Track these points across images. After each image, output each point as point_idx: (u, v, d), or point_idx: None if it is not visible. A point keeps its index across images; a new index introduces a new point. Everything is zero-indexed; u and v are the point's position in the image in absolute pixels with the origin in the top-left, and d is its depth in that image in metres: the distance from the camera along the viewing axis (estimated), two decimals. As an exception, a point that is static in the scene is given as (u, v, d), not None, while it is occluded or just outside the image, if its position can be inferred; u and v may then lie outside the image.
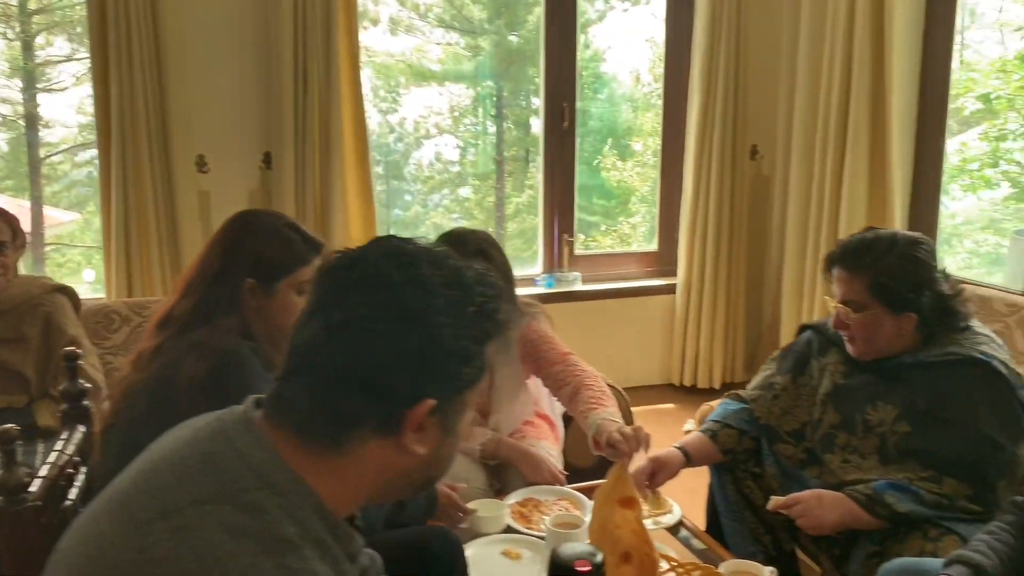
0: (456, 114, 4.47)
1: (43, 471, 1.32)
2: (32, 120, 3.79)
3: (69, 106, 3.82)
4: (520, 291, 4.09)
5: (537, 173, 4.26)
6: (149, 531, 0.82)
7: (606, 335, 4.26)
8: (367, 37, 4.04)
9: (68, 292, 2.50)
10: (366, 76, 3.89)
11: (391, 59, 4.20)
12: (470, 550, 1.85)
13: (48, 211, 3.96)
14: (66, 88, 3.80)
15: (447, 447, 0.95)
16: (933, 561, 1.56)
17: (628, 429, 1.89)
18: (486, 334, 0.93)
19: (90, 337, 2.58)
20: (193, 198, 3.47)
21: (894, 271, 1.86)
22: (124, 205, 3.26)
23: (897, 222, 3.47)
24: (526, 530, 1.94)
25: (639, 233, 4.80)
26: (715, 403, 2.34)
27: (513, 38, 4.41)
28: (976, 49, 4.09)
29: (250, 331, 1.61)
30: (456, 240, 2.22)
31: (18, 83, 3.74)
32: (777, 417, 2.10)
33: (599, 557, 1.42)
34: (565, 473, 2.29)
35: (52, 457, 1.47)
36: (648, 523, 1.95)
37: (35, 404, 2.38)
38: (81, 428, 1.52)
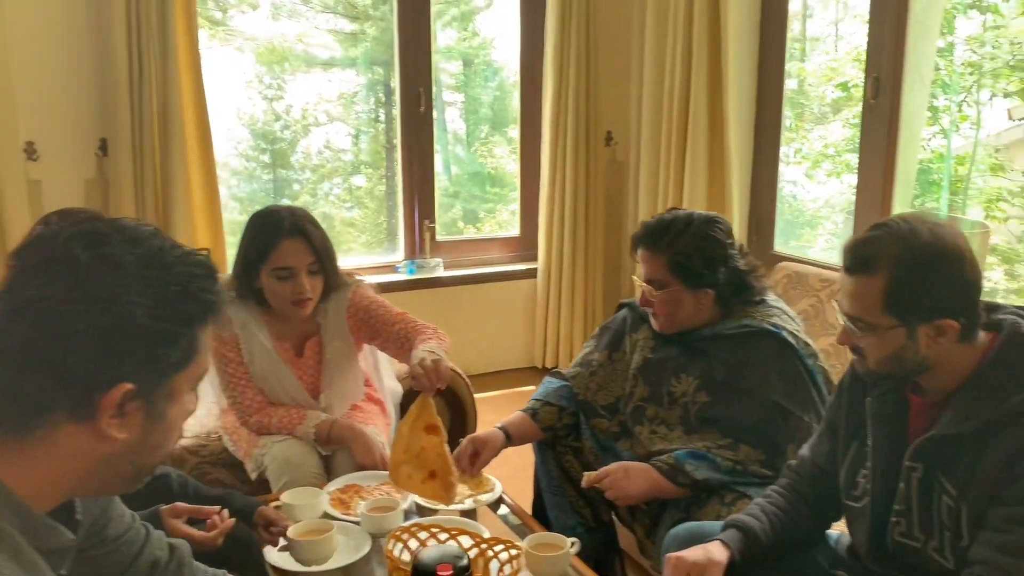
0: (345, 101, 4.40)
1: None
2: None
3: None
4: (381, 279, 4.12)
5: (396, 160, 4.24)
6: None
7: (469, 321, 4.28)
8: (246, 22, 3.94)
9: None
10: (247, 61, 3.77)
11: (273, 45, 4.08)
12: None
13: None
14: None
15: (157, 434, 0.93)
16: (715, 524, 1.63)
17: (429, 361, 1.92)
18: (192, 315, 0.91)
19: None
20: (22, 187, 3.30)
21: (690, 250, 1.94)
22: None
23: (736, 205, 3.61)
24: (343, 516, 1.93)
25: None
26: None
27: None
28: (821, 38, 4.28)
29: None
30: (269, 217, 2.19)
31: None
32: (594, 392, 2.15)
33: (464, 561, 1.43)
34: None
35: None
36: (468, 502, 1.99)
37: None
38: None
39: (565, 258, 4.25)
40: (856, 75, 3.94)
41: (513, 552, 1.64)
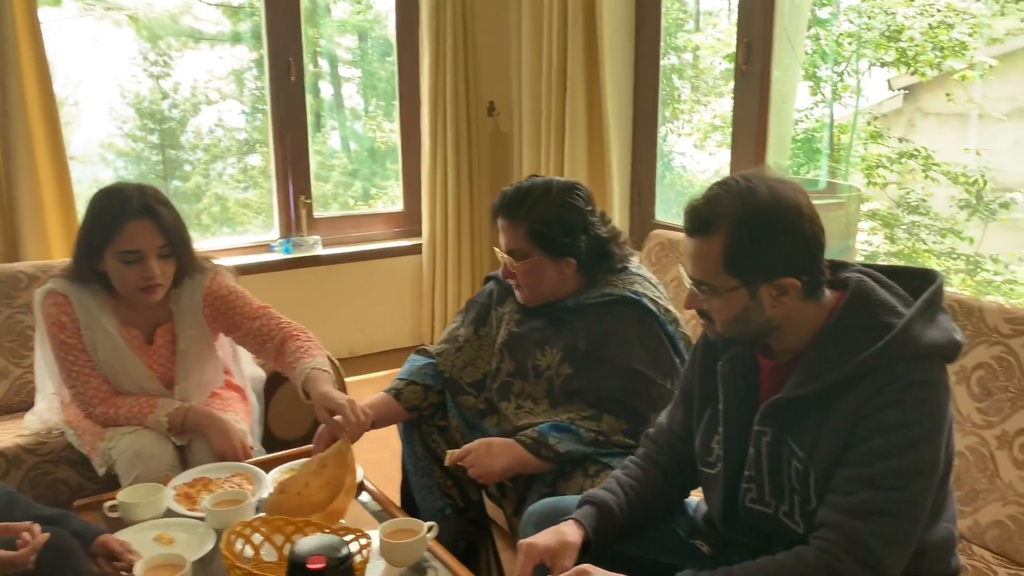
0: (236, 78, 4.16)
1: None
2: None
3: None
4: (255, 259, 3.93)
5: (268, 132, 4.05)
6: None
7: (352, 300, 4.15)
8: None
9: None
10: (128, 36, 3.49)
11: (155, 19, 3.81)
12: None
13: None
14: None
15: None
16: (572, 500, 1.58)
17: (345, 400, 1.85)
18: None
19: None
20: None
21: (549, 218, 1.87)
22: None
23: (616, 175, 3.57)
24: (188, 512, 1.80)
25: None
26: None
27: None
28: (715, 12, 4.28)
29: None
30: (115, 195, 2.02)
31: None
32: (460, 369, 2.07)
33: (343, 551, 1.30)
34: (253, 448, 2.16)
35: None
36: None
37: None
38: None
39: (450, 232, 4.15)
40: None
41: (363, 542, 1.55)
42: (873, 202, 4.37)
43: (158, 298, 2.07)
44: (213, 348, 2.27)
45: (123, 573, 1.58)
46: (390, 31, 4.25)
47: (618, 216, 3.66)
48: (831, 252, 1.38)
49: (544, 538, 1.42)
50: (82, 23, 3.60)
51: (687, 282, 1.39)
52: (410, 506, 2.12)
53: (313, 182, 4.11)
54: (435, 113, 4.02)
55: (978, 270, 3.83)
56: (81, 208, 3.22)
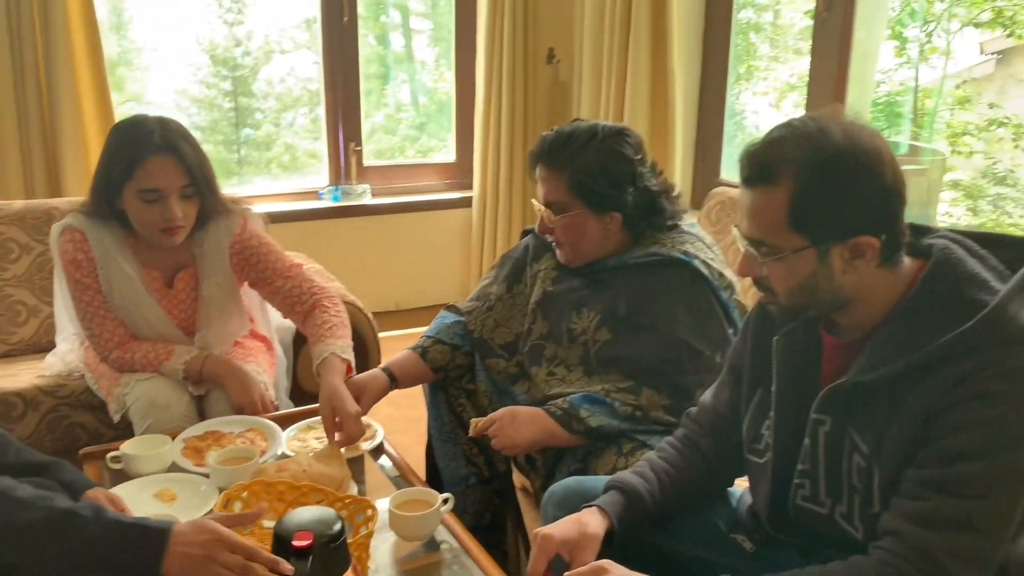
0: (308, 27, 4.04)
1: None
2: None
3: None
4: (303, 205, 3.83)
5: (319, 74, 3.91)
6: None
7: (399, 252, 4.02)
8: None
9: None
10: None
11: None
12: (117, 492, 1.60)
13: None
14: None
15: None
16: (598, 481, 1.42)
17: (356, 419, 1.72)
18: None
19: None
20: None
21: (593, 167, 1.68)
22: None
23: (679, 130, 3.35)
24: (194, 468, 1.69)
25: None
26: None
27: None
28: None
29: None
30: (135, 128, 1.90)
31: None
32: (491, 330, 1.92)
33: (335, 527, 1.15)
34: (276, 403, 2.05)
35: None
36: (341, 450, 1.76)
37: None
38: None
39: (502, 186, 3.97)
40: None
41: (368, 513, 1.41)
42: (957, 171, 4.06)
43: (179, 241, 1.95)
44: (238, 296, 2.15)
45: None
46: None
47: (679, 174, 3.44)
48: (909, 220, 1.17)
49: (562, 528, 1.26)
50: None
51: (741, 244, 1.19)
52: (434, 473, 1.99)
53: (381, 135, 3.98)
54: (491, 60, 3.83)
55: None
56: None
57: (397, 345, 2.03)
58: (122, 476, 1.68)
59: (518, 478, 2.01)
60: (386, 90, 4.28)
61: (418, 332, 2.04)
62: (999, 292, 1.08)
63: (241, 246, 2.04)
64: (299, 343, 2.39)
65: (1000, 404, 1.04)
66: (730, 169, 3.52)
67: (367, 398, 1.84)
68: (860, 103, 3.04)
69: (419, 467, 2.06)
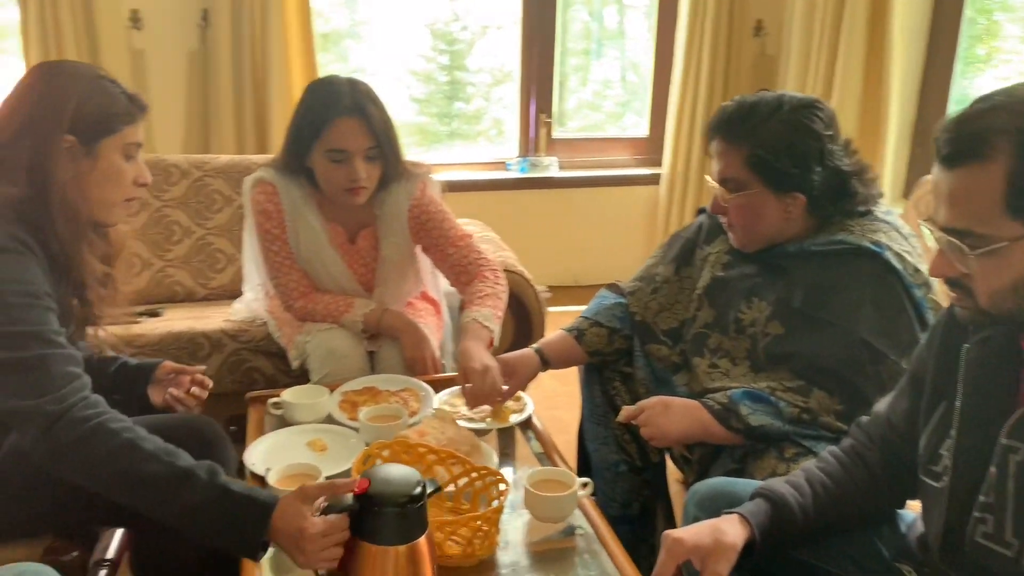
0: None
1: None
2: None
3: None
4: (490, 175, 3.85)
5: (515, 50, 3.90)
6: None
7: (582, 226, 3.97)
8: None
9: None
10: None
11: None
12: (273, 438, 1.67)
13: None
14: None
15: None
16: (746, 482, 1.30)
17: (485, 372, 1.69)
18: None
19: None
20: (124, 57, 3.25)
21: (775, 142, 1.52)
22: (42, 57, 3.06)
23: (894, 113, 3.04)
24: (347, 421, 1.73)
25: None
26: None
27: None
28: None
29: (40, 206, 1.34)
30: (326, 89, 1.96)
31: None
32: (654, 314, 1.82)
33: (416, 490, 1.15)
34: (442, 363, 2.07)
35: None
36: (488, 420, 1.75)
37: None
38: None
39: (693, 165, 3.81)
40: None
41: (502, 488, 1.38)
42: None
43: (361, 200, 1.99)
44: (414, 257, 2.18)
45: (193, 390, 1.63)
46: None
47: (890, 160, 3.14)
48: None
49: (695, 533, 1.15)
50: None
51: (931, 241, 1.03)
52: (585, 455, 1.93)
53: (586, 112, 3.94)
54: (692, 31, 3.66)
55: None
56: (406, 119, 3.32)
57: (571, 319, 1.98)
58: (282, 422, 1.75)
59: (674, 470, 1.91)
60: (595, 66, 4.19)
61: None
62: None
63: (419, 210, 2.06)
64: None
65: None
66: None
67: (517, 379, 1.80)
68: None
69: (572, 447, 2.01)
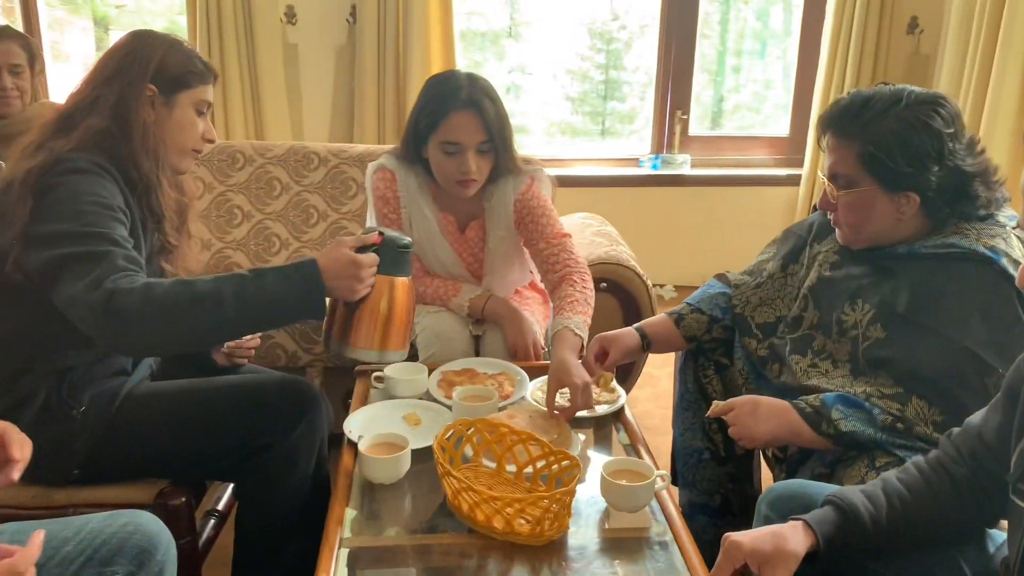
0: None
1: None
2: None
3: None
4: (622, 171, 3.85)
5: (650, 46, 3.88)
6: None
7: (713, 227, 3.90)
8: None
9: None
10: None
11: None
12: (373, 410, 1.76)
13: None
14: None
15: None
16: (822, 486, 1.25)
17: (584, 389, 1.68)
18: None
19: (215, 175, 2.70)
20: (278, 50, 3.48)
21: (890, 138, 1.45)
22: (207, 53, 3.32)
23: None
24: (443, 399, 1.80)
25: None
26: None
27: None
28: None
29: (121, 139, 1.53)
30: (445, 83, 2.03)
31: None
32: (752, 308, 1.78)
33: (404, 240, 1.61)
34: (544, 350, 2.11)
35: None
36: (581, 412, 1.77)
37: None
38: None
39: (835, 166, 3.65)
40: None
41: (574, 472, 1.39)
42: None
43: (470, 193, 2.05)
44: (520, 249, 2.23)
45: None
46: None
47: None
48: None
49: (755, 538, 1.12)
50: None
51: None
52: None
53: (744, 112, 3.88)
54: (839, 28, 3.52)
55: None
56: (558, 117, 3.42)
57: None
58: (384, 395, 1.84)
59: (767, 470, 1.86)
60: (758, 65, 4.12)
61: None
62: None
63: (522, 205, 2.10)
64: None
65: None
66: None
67: (615, 351, 1.81)
68: None
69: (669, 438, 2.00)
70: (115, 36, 4.17)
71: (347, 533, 1.39)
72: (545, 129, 4.19)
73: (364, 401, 1.83)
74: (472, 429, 1.53)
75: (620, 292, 2.39)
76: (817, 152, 3.67)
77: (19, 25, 3.55)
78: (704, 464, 1.82)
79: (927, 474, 1.19)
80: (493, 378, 1.89)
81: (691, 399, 1.84)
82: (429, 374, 1.87)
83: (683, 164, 3.84)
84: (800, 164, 3.82)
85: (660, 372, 3.09)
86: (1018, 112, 2.92)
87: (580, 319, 1.90)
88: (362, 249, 1.55)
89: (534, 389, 1.83)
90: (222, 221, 2.70)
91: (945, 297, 1.44)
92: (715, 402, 1.62)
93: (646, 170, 3.86)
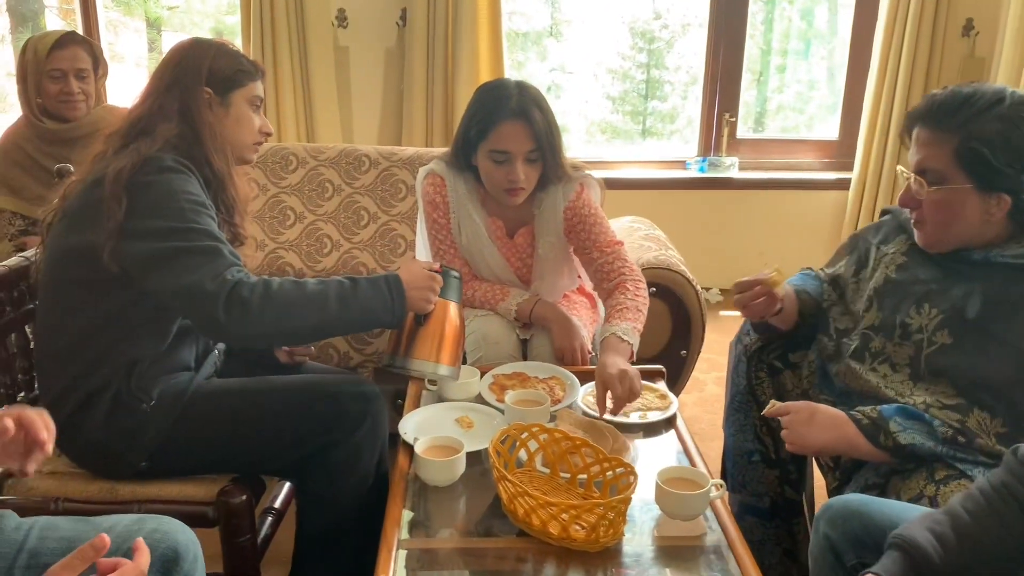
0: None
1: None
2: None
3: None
4: (668, 174, 3.83)
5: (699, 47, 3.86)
6: None
7: (760, 230, 3.87)
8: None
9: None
10: None
11: None
12: (426, 412, 1.78)
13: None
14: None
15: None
16: (883, 503, 1.23)
17: (622, 376, 1.72)
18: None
19: (268, 177, 2.75)
20: (330, 53, 3.52)
21: (992, 135, 1.41)
22: (259, 56, 3.38)
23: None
24: (494, 402, 1.82)
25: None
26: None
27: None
28: None
29: (193, 141, 1.60)
30: (494, 92, 2.04)
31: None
32: (834, 308, 1.77)
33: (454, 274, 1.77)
34: (593, 355, 2.12)
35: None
36: (634, 415, 1.78)
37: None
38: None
39: (885, 171, 3.61)
40: None
41: (630, 480, 1.40)
42: None
43: (519, 201, 2.07)
44: (569, 256, 2.24)
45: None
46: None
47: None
48: None
49: None
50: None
51: None
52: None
53: (788, 113, 3.86)
54: (891, 30, 3.47)
55: None
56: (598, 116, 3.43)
57: (737, 325, 1.96)
58: (436, 397, 1.86)
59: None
60: (801, 65, 4.09)
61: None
62: None
63: (572, 212, 2.11)
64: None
65: None
66: None
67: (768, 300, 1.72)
68: None
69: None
70: (167, 37, 4.27)
71: (404, 535, 1.41)
72: (585, 128, 4.19)
73: (417, 403, 1.86)
74: (526, 434, 1.54)
75: (670, 297, 2.39)
76: (868, 156, 3.63)
77: (79, 27, 3.64)
78: (754, 466, 1.81)
79: (994, 501, 1.15)
80: (544, 382, 1.90)
81: (741, 400, 1.83)
82: (480, 377, 1.89)
83: (731, 167, 3.82)
84: (850, 168, 3.77)
85: (707, 376, 3.08)
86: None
87: (628, 325, 1.90)
88: None
89: (584, 394, 1.84)
90: (275, 222, 2.74)
91: (1019, 308, 1.41)
92: (773, 400, 1.60)
93: (693, 172, 3.85)
